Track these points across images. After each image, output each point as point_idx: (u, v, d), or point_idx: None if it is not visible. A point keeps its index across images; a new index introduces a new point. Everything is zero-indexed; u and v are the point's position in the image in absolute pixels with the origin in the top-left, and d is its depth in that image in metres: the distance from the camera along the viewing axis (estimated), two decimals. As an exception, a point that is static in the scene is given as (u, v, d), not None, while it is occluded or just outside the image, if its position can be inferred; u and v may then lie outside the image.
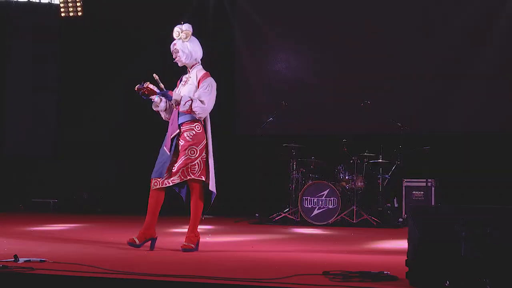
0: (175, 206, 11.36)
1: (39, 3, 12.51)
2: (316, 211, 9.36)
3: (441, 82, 10.81)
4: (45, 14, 12.49)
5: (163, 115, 6.10)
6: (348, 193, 9.54)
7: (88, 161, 12.16)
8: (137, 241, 5.96)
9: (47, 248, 5.91)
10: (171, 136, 5.89)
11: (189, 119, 5.90)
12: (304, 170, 9.83)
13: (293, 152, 9.86)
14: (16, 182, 12.14)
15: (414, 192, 9.85)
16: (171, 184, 5.89)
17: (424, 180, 9.59)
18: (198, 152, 5.88)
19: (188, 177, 5.84)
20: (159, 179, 5.87)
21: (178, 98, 5.84)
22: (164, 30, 11.73)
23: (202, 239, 7.13)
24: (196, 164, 5.87)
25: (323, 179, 9.51)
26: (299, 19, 11.62)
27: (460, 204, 7.94)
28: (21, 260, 4.70)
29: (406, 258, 4.16)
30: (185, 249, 5.84)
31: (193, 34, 6.04)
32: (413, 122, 10.55)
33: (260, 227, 9.13)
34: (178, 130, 5.88)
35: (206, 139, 5.98)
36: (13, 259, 4.69)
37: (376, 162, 9.66)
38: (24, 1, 12.46)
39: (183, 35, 5.95)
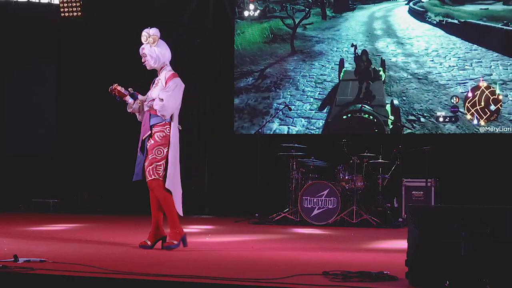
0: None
1: (39, 3, 12.50)
2: (316, 211, 9.36)
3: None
4: (45, 14, 12.47)
5: (138, 116, 6.21)
6: (348, 193, 9.54)
7: (88, 161, 12.15)
8: (148, 242, 6.07)
9: (47, 248, 5.91)
10: (143, 138, 6.02)
11: (160, 121, 6.00)
12: (304, 170, 9.83)
13: (293, 152, 9.86)
14: (16, 182, 12.13)
15: (413, 192, 9.84)
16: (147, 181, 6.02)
17: (424, 180, 9.59)
18: (164, 153, 5.98)
19: (153, 177, 5.94)
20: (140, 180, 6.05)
21: (143, 98, 6.01)
22: (164, 29, 11.80)
23: (202, 239, 7.15)
24: (162, 165, 5.97)
25: (323, 179, 9.51)
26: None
27: (460, 204, 7.94)
28: (21, 260, 4.70)
29: (406, 258, 4.16)
30: (168, 247, 5.91)
31: (161, 38, 6.18)
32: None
33: (260, 227, 9.13)
34: (149, 132, 6.00)
35: (170, 141, 6.00)
36: (13, 259, 4.69)
37: (376, 162, 9.66)
38: (24, 1, 12.45)
39: (150, 39, 6.13)
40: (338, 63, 11.30)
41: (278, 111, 11.26)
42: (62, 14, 12.33)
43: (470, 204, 6.96)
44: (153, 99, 5.97)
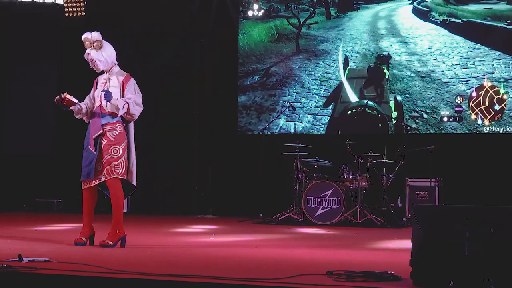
0: (175, 207, 11.43)
1: (43, 3, 12.51)
2: (320, 211, 9.35)
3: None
4: (49, 14, 12.48)
5: (85, 119, 6.26)
6: (352, 193, 9.54)
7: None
8: (83, 239, 6.18)
9: (51, 248, 5.92)
10: (94, 136, 6.06)
11: (111, 120, 6.10)
12: (308, 170, 9.82)
13: (297, 151, 9.86)
14: (19, 182, 12.13)
15: (418, 192, 9.84)
16: (98, 182, 6.06)
17: (428, 180, 9.57)
18: (121, 152, 6.07)
19: (112, 176, 6.01)
20: (88, 180, 6.07)
21: (115, 102, 6.05)
22: (166, 29, 11.82)
23: (206, 239, 7.15)
24: (120, 163, 6.06)
25: (327, 179, 9.51)
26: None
27: (464, 204, 7.92)
28: (25, 260, 4.71)
29: (410, 258, 4.16)
30: (103, 245, 5.98)
31: (103, 39, 6.20)
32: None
33: (263, 227, 9.13)
34: (101, 131, 6.06)
35: (128, 138, 6.17)
36: (17, 259, 4.70)
37: (380, 162, 9.65)
38: (28, 1, 12.46)
39: (96, 45, 6.16)
40: (342, 62, 11.34)
41: (282, 109, 11.25)
42: (66, 14, 12.34)
43: (474, 204, 6.95)
44: (126, 103, 6.04)
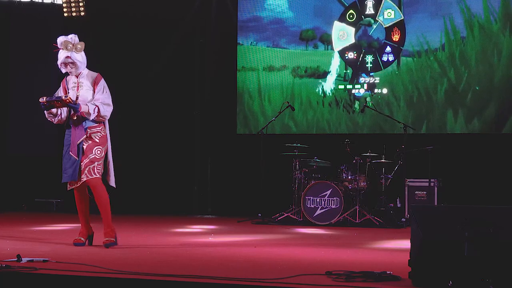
0: (175, 207, 11.43)
1: (42, 3, 12.49)
2: (318, 211, 9.35)
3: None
4: (48, 14, 12.46)
5: (55, 119, 6.29)
6: (351, 193, 9.53)
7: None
8: (82, 239, 6.24)
9: (50, 248, 5.93)
10: (78, 142, 6.12)
11: (95, 123, 6.19)
12: (307, 170, 9.82)
13: (296, 152, 9.85)
14: (19, 182, 12.12)
15: (417, 192, 9.83)
16: (81, 181, 6.12)
17: (427, 180, 9.57)
18: (103, 153, 6.22)
19: (94, 176, 6.10)
20: (72, 181, 6.15)
21: (86, 109, 6.10)
22: (166, 29, 11.82)
23: (205, 239, 7.17)
24: (101, 164, 6.19)
25: (326, 179, 9.50)
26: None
27: (463, 204, 7.92)
28: (24, 260, 4.72)
29: (409, 258, 4.16)
30: (107, 245, 6.03)
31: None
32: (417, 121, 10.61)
33: (262, 227, 9.13)
34: (85, 135, 6.14)
35: (107, 141, 6.30)
36: (16, 259, 4.70)
37: (378, 162, 9.65)
38: (27, 1, 12.45)
39: (79, 46, 6.24)
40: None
41: (282, 109, 11.21)
42: (66, 14, 12.32)
43: (473, 204, 6.96)
44: (96, 106, 6.09)
